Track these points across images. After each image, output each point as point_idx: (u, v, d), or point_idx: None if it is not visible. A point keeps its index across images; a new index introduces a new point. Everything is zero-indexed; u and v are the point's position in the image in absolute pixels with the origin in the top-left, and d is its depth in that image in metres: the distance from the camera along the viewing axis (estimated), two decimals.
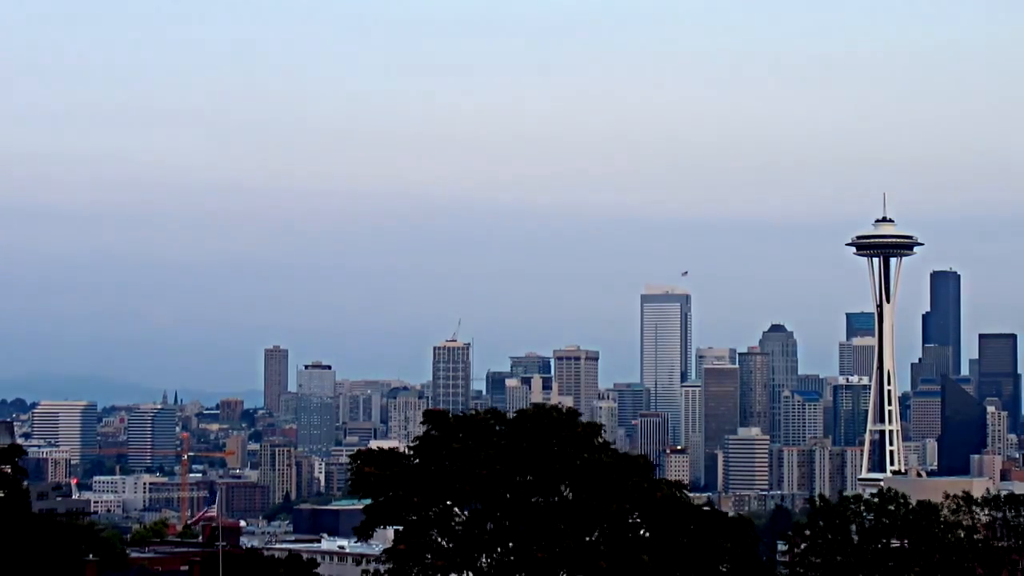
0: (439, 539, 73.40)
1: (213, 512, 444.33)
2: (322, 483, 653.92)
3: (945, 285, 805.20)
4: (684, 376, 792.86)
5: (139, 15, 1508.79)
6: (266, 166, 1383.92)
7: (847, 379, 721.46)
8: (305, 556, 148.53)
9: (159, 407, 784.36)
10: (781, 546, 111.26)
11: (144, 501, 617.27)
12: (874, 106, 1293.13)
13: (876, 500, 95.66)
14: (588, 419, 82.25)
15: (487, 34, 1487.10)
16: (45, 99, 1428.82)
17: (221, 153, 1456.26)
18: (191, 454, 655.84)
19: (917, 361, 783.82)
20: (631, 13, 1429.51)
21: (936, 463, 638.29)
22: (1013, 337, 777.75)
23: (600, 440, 75.93)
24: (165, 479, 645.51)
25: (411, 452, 76.10)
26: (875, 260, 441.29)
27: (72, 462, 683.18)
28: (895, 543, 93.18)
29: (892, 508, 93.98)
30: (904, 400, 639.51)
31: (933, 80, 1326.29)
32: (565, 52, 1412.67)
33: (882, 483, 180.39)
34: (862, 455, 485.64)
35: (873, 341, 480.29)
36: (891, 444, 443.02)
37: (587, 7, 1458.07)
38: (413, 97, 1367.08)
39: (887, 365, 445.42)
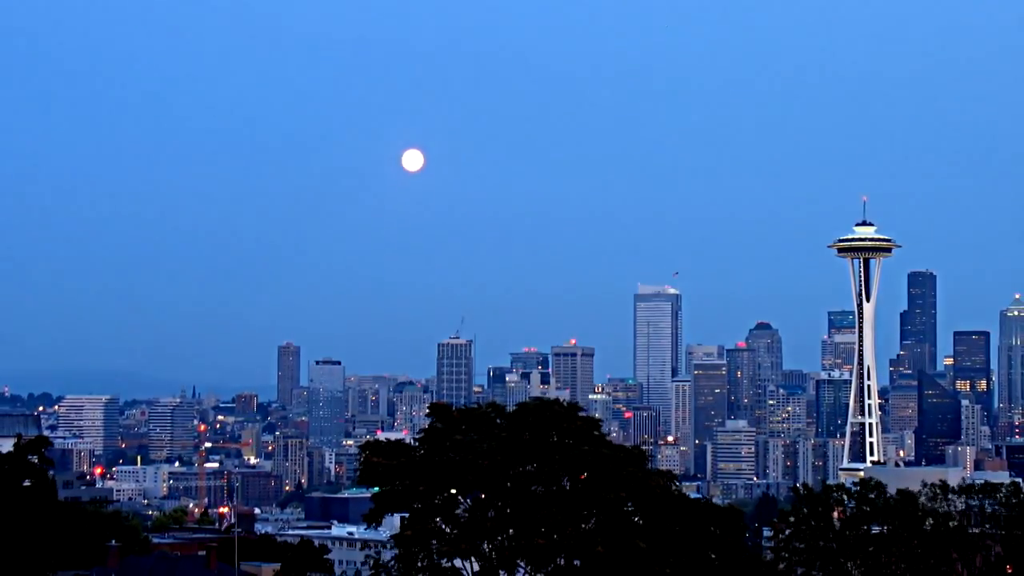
0: (443, 526, 73.31)
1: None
2: (332, 473, 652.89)
3: (922, 285, 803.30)
4: (675, 371, 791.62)
5: None
6: (281, 169, 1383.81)
7: (829, 374, 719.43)
8: (316, 542, 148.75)
9: (178, 401, 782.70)
10: (767, 532, 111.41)
11: (164, 490, 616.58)
12: (858, 113, 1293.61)
13: (857, 488, 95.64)
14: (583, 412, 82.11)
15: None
16: None
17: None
18: (208, 445, 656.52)
19: (896, 357, 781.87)
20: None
21: (913, 454, 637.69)
22: (986, 335, 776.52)
23: (598, 433, 75.93)
24: (184, 469, 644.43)
25: (417, 443, 76.05)
26: (855, 261, 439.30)
27: (96, 453, 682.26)
28: (875, 529, 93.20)
29: (872, 496, 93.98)
30: (883, 394, 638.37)
31: (915, 88, 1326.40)
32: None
33: (862, 473, 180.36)
34: (843, 446, 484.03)
35: (854, 338, 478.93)
36: (871, 436, 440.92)
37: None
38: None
39: (867, 361, 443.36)
